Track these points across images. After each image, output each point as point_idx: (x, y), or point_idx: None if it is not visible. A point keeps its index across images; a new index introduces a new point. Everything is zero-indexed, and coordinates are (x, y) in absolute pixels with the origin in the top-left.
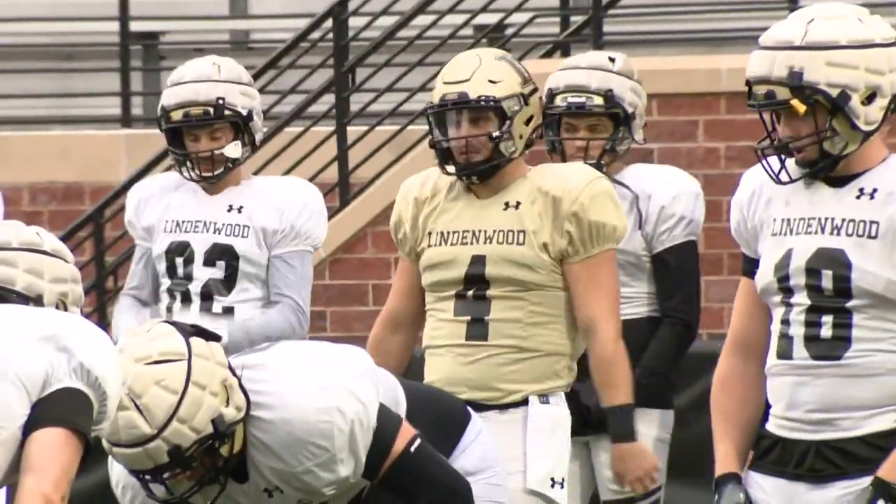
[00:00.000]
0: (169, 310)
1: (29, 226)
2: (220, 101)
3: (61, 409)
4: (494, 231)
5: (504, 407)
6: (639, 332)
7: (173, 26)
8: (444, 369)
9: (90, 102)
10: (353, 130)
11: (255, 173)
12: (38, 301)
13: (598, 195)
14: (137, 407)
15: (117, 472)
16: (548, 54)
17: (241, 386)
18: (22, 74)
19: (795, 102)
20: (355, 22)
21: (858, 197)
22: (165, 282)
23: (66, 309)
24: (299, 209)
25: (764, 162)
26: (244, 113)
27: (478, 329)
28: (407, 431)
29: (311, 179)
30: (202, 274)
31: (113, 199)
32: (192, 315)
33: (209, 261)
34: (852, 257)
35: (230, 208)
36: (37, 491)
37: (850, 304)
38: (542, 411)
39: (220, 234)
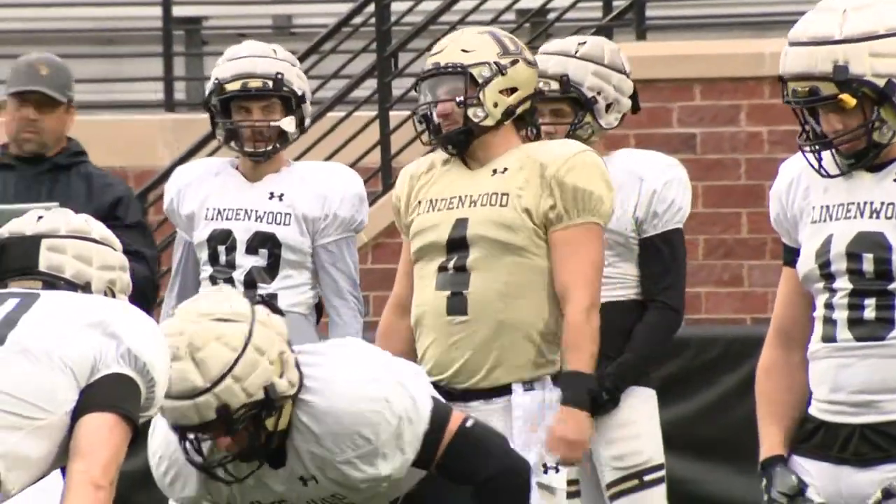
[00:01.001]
0: None
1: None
2: (279, 76)
3: (109, 394)
4: (480, 195)
5: (488, 397)
6: (623, 315)
7: (216, 11)
8: (429, 346)
9: (133, 87)
10: (395, 115)
11: (297, 159)
12: (86, 288)
13: (585, 164)
14: (194, 359)
15: (157, 442)
16: None
17: (296, 365)
18: (65, 59)
19: (845, 97)
20: (397, 6)
21: None
22: (207, 269)
23: (113, 296)
24: (341, 196)
25: (809, 157)
26: (299, 93)
27: (457, 303)
28: (459, 415)
29: (353, 165)
30: (245, 262)
31: (156, 183)
32: None
33: (251, 248)
34: (892, 240)
35: (271, 196)
36: (85, 475)
37: (892, 286)
38: (528, 399)
39: (261, 221)
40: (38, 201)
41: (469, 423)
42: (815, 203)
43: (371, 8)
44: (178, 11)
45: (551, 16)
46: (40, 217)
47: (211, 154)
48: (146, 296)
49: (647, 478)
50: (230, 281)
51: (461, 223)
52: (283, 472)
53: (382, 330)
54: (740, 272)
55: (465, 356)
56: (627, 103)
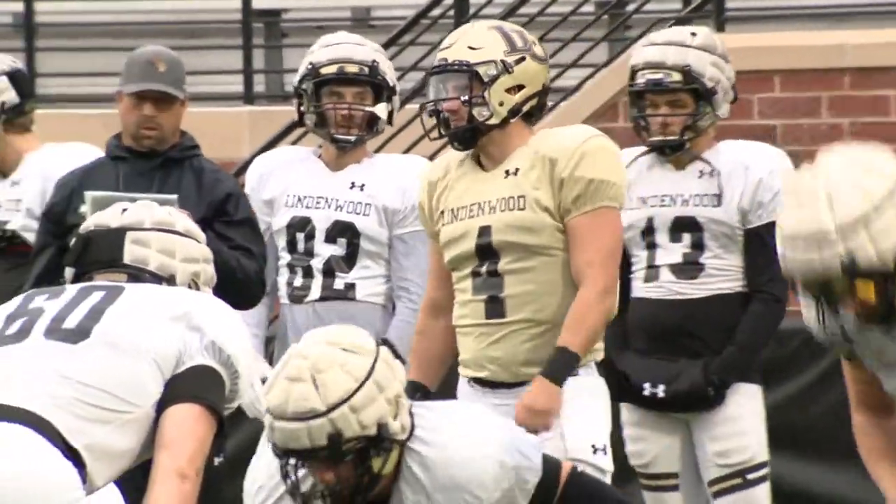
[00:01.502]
0: (289, 284)
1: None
2: (375, 64)
3: (194, 385)
4: (497, 200)
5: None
6: (731, 307)
7: (295, 3)
8: (473, 348)
9: (213, 80)
10: None
11: (376, 151)
12: (170, 281)
13: (592, 152)
14: (315, 383)
15: (259, 471)
16: None
17: (410, 413)
18: None
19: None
20: None
21: None
22: (286, 256)
23: (197, 289)
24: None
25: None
26: (391, 84)
27: (495, 307)
28: (567, 464)
29: (430, 157)
30: (323, 250)
31: (236, 175)
32: (313, 292)
33: (330, 237)
34: None
35: (352, 185)
36: (171, 466)
37: None
38: (573, 384)
39: (341, 211)
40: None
41: (579, 469)
42: None
43: (450, 0)
44: (257, 4)
45: (630, 7)
46: (124, 210)
47: (292, 145)
48: (253, 292)
49: (750, 476)
50: (308, 269)
51: (485, 231)
52: None
53: (419, 329)
54: None
55: (508, 355)
56: (731, 93)
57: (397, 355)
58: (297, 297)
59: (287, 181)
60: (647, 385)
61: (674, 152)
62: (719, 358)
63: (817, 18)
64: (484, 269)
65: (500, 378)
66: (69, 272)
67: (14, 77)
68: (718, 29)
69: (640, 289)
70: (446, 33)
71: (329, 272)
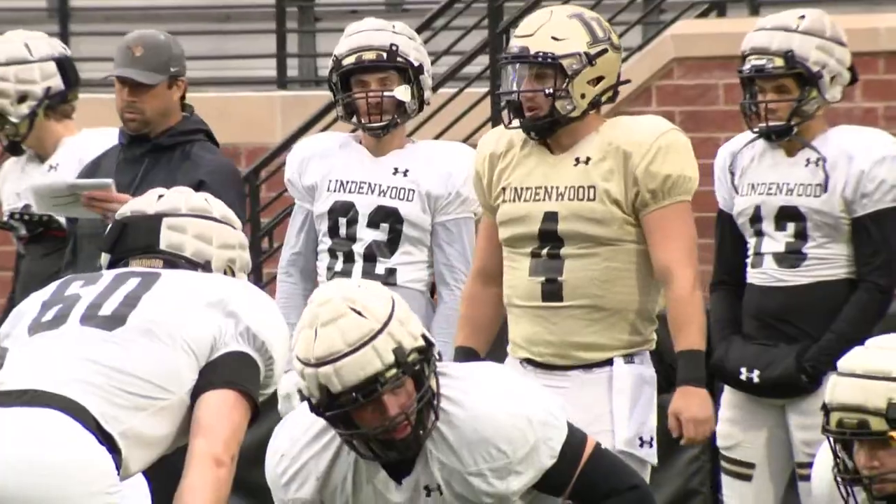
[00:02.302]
0: (329, 269)
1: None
2: (394, 48)
3: (229, 371)
4: (566, 187)
5: (589, 367)
6: (834, 294)
7: None
8: (526, 329)
9: (246, 64)
10: None
11: (410, 135)
12: (206, 267)
13: (668, 147)
14: (357, 311)
15: (281, 441)
16: (703, 14)
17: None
18: (180, 36)
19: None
20: None
21: None
22: (326, 241)
23: (233, 275)
24: (465, 176)
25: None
26: (416, 64)
27: (553, 289)
28: (592, 438)
29: (464, 141)
30: (366, 235)
31: (268, 160)
32: (354, 276)
33: (373, 222)
34: None
35: (395, 171)
36: (207, 452)
37: None
38: (627, 371)
39: (384, 196)
40: (132, 182)
41: (603, 446)
42: None
43: None
44: None
45: None
46: (161, 196)
47: (324, 130)
48: None
49: None
50: (350, 254)
51: (551, 217)
52: (408, 481)
53: (467, 296)
54: None
55: (563, 338)
56: (848, 75)
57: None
58: None
59: (329, 166)
60: (743, 370)
61: (780, 138)
62: (816, 345)
63: (851, 2)
64: (545, 251)
65: (552, 361)
66: (105, 258)
67: (62, 63)
68: (752, 13)
69: (748, 274)
70: (479, 17)
71: (370, 257)
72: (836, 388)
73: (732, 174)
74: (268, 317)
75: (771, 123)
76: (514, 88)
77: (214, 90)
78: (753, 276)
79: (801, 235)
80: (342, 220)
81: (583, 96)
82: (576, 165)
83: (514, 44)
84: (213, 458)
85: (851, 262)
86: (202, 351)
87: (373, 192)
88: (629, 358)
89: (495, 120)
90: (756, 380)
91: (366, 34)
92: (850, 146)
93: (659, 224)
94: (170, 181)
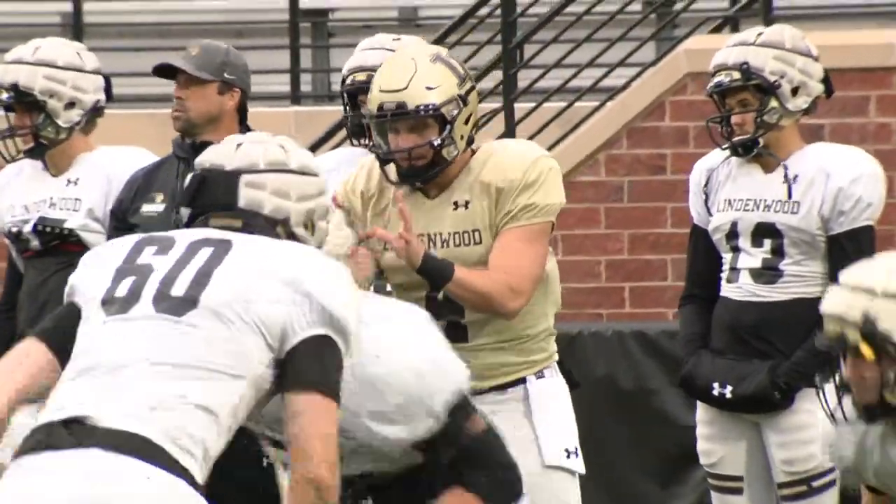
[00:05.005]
0: None
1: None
2: None
3: (312, 369)
4: (449, 234)
5: (502, 387)
6: (810, 312)
7: (343, 3)
8: None
9: (260, 79)
10: (520, 107)
11: None
12: (285, 223)
13: (540, 180)
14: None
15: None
16: (717, 29)
17: None
18: None
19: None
20: None
21: None
22: None
23: (313, 226)
24: None
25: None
26: None
27: (456, 332)
28: (482, 421)
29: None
30: None
31: None
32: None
33: None
34: None
35: None
36: (302, 473)
37: None
38: (541, 387)
39: None
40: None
41: (492, 434)
42: None
43: None
44: (304, 3)
45: (678, 6)
46: (239, 145)
47: (336, 146)
48: None
49: (815, 483)
50: None
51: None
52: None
53: None
54: None
55: (472, 369)
56: (818, 87)
57: None
58: None
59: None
60: (715, 385)
61: (747, 152)
62: (789, 361)
63: (865, 17)
64: (441, 294)
65: (478, 386)
66: (185, 212)
67: (107, 80)
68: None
69: (723, 288)
70: (493, 32)
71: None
72: (827, 296)
73: (707, 193)
74: (341, 292)
75: (736, 138)
76: (390, 143)
77: None
78: (729, 290)
79: (778, 252)
80: None
81: (462, 137)
82: (455, 209)
83: (387, 99)
84: (308, 479)
85: (827, 279)
86: (273, 333)
87: None
88: (540, 373)
89: (508, 135)
90: (728, 395)
91: (363, 54)
92: (827, 164)
93: (514, 237)
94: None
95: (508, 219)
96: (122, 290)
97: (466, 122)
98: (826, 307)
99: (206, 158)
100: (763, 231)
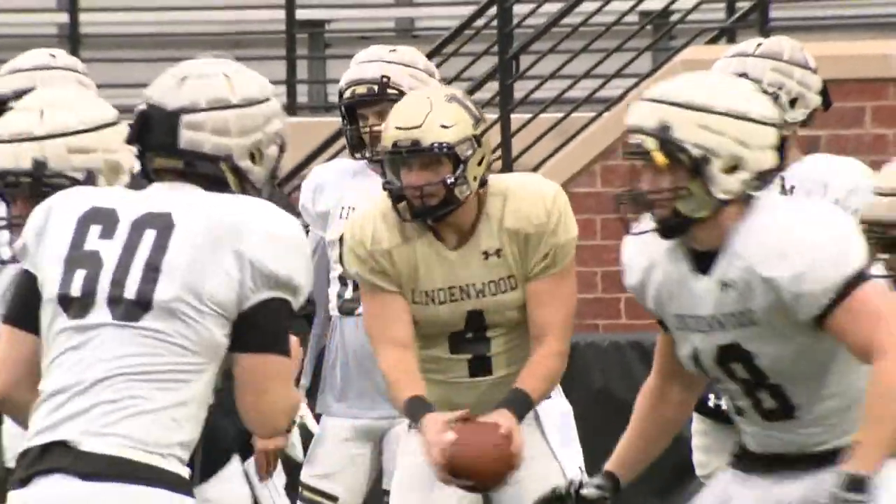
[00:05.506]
0: (339, 296)
1: None
2: (385, 80)
3: (262, 333)
4: (484, 283)
5: None
6: None
7: (339, 14)
8: (443, 395)
9: None
10: (516, 118)
11: None
12: (227, 159)
13: (563, 217)
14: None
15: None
16: (713, 40)
17: None
18: None
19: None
20: (519, 9)
21: None
22: (338, 268)
23: (261, 154)
24: None
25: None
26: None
27: (481, 365)
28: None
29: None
30: None
31: (277, 186)
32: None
33: None
34: None
35: None
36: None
37: None
38: (551, 407)
39: None
40: None
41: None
42: None
43: (493, 10)
44: (301, 14)
45: (674, 17)
46: (184, 79)
47: (333, 157)
48: None
49: None
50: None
51: (476, 314)
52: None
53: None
54: None
55: (487, 400)
56: (815, 99)
57: None
58: (348, 309)
59: (341, 193)
60: (711, 396)
61: None
62: None
63: (862, 28)
64: (469, 335)
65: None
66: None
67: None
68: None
69: None
70: (489, 44)
71: None
72: (629, 109)
73: None
74: (284, 247)
75: None
76: (403, 180)
77: None
78: None
79: None
80: None
81: (475, 179)
82: (486, 259)
83: (402, 136)
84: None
85: None
86: (228, 307)
87: None
88: (547, 395)
89: (505, 146)
90: (723, 406)
91: (360, 67)
92: (826, 175)
93: (549, 286)
94: None
95: (546, 263)
96: (75, 288)
97: (480, 163)
98: (628, 118)
99: (151, 93)
100: None
